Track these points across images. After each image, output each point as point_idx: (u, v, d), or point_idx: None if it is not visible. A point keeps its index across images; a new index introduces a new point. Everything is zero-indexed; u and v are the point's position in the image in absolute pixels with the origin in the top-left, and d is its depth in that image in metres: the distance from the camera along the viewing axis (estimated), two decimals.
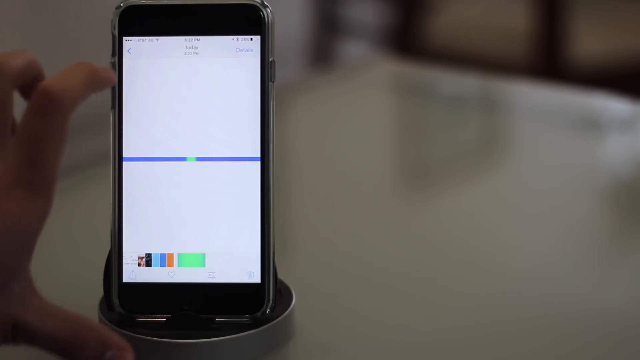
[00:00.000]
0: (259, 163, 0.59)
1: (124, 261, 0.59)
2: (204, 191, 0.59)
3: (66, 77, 0.52)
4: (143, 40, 0.59)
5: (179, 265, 0.59)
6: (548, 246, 0.74)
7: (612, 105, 1.09)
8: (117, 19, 0.59)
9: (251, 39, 0.59)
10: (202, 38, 0.59)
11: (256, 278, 0.59)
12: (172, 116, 0.59)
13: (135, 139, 0.59)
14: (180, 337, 0.57)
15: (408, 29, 2.06)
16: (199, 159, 0.59)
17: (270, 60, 0.59)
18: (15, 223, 0.50)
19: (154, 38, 0.59)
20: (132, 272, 0.59)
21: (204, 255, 0.59)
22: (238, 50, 0.59)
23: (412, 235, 0.77)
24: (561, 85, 1.19)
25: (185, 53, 0.60)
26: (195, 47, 0.59)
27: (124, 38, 0.59)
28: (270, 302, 0.59)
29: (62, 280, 0.68)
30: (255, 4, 0.59)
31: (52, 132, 0.51)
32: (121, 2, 0.59)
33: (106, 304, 0.59)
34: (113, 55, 0.59)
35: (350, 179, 0.89)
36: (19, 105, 0.52)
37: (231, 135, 0.59)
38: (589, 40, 1.89)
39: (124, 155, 0.59)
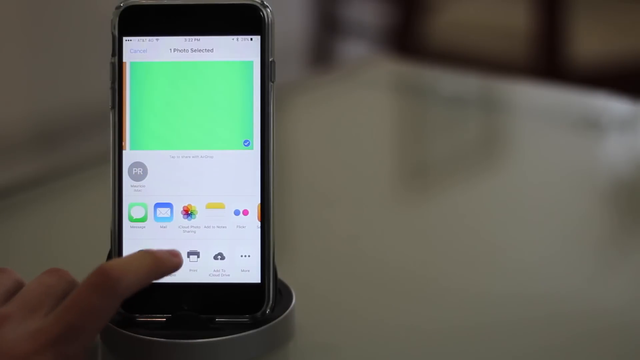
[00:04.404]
0: (259, 163, 0.59)
1: None
2: (204, 191, 0.59)
3: (129, 263, 0.54)
4: (143, 40, 0.59)
5: None
6: (548, 246, 0.74)
7: (612, 105, 1.09)
8: (117, 19, 0.59)
9: (251, 39, 0.59)
10: (202, 38, 0.59)
11: (256, 278, 0.59)
12: (172, 116, 0.59)
13: (135, 139, 0.59)
14: (180, 337, 0.57)
15: (408, 29, 2.06)
16: None
17: (270, 60, 0.59)
18: None
19: (154, 38, 0.59)
20: None
21: (203, 255, 0.59)
22: (238, 50, 0.59)
23: (412, 235, 0.77)
24: (561, 85, 1.19)
25: (185, 53, 0.59)
26: (195, 47, 0.59)
27: (124, 38, 0.59)
28: (270, 302, 0.58)
29: None
30: (255, 4, 0.59)
31: (100, 310, 0.52)
32: (121, 2, 0.59)
33: None
34: (113, 55, 0.59)
35: (350, 179, 0.89)
36: None
37: (231, 135, 0.59)
38: (589, 40, 1.89)
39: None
